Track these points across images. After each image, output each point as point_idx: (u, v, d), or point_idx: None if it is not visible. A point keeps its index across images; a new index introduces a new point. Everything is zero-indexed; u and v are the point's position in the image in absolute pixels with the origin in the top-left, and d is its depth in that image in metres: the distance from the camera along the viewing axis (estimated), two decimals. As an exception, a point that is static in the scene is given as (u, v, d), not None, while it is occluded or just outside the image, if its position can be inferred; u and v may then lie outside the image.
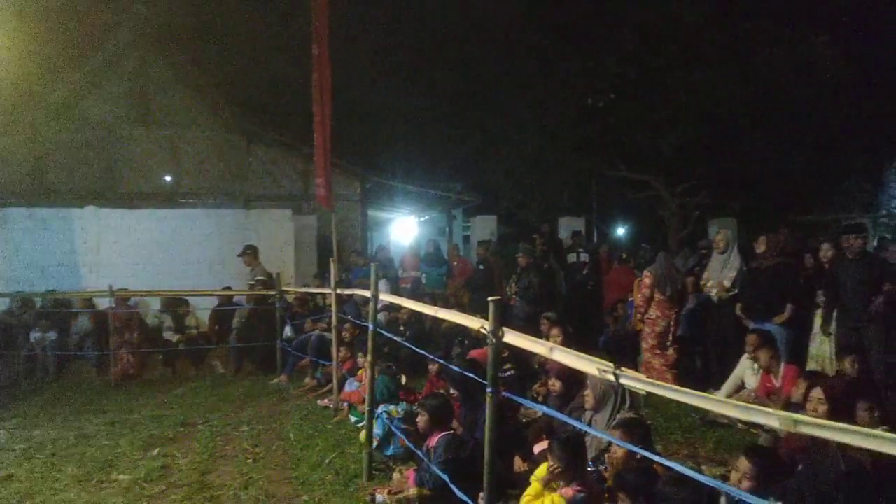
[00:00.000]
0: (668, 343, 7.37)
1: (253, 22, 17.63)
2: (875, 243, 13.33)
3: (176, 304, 10.28)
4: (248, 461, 5.57)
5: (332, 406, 7.08)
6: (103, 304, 9.65)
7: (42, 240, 10.69)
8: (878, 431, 1.75)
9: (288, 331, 9.69)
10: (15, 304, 9.94)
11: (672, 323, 7.38)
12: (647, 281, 7.45)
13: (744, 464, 3.31)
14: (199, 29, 15.36)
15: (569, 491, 3.55)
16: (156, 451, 5.85)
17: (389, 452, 5.45)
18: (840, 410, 3.97)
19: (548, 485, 3.63)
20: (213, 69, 14.75)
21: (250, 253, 9.90)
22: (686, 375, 7.28)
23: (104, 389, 8.70)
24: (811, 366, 6.40)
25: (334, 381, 7.16)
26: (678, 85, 13.93)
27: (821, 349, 6.50)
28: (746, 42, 13.98)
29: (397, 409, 5.76)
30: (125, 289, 9.70)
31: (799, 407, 4.60)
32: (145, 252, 10.76)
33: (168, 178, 13.33)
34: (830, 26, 14.51)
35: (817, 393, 4.13)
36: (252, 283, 9.86)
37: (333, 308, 7.13)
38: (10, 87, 11.72)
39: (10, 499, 4.77)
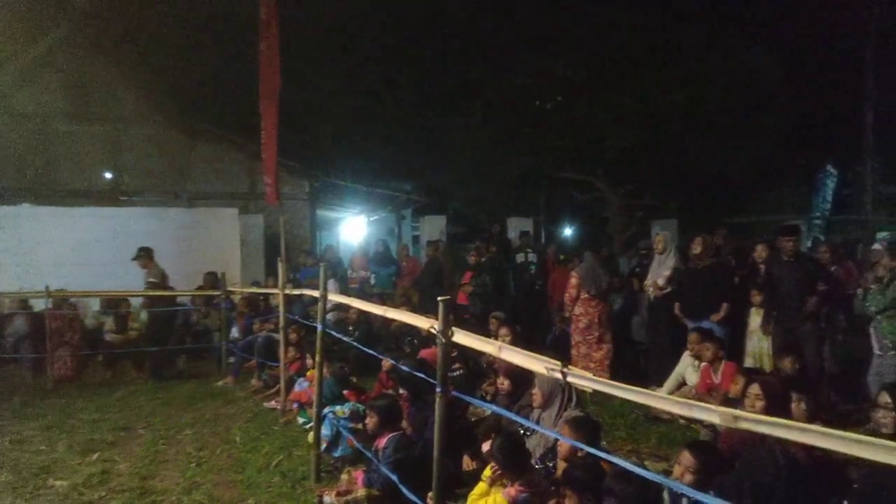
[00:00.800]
0: (594, 339, 7.60)
1: (198, 16, 17.23)
2: (809, 244, 13.88)
3: (117, 305, 9.97)
4: (192, 465, 5.46)
5: (279, 408, 6.99)
6: (40, 305, 9.29)
7: (-27, 239, 10.24)
8: (812, 426, 1.84)
9: (234, 332, 9.53)
10: (-57, 305, 9.49)
11: (596, 320, 7.62)
12: (573, 280, 7.82)
13: (686, 458, 3.41)
14: (141, 23, 14.92)
15: (511, 490, 3.61)
16: (95, 456, 5.68)
17: (338, 454, 5.41)
18: (776, 406, 4.13)
19: (494, 484, 3.68)
20: (156, 64, 14.35)
21: (143, 255, 9.49)
22: (622, 372, 7.50)
23: (41, 393, 8.36)
24: (748, 363, 6.63)
25: (281, 383, 7.07)
26: (622, 89, 14.27)
27: (758, 346, 6.74)
28: (685, 48, 14.43)
29: (343, 409, 5.73)
30: (63, 289, 9.36)
31: (737, 403, 4.77)
32: (84, 251, 10.43)
33: (108, 176, 12.93)
34: (765, 35, 15.10)
35: (755, 389, 4.29)
36: (146, 285, 9.53)
37: (281, 308, 7.04)
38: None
39: (-63, 509, 4.57)
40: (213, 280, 10.05)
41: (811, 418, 4.25)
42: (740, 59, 14.64)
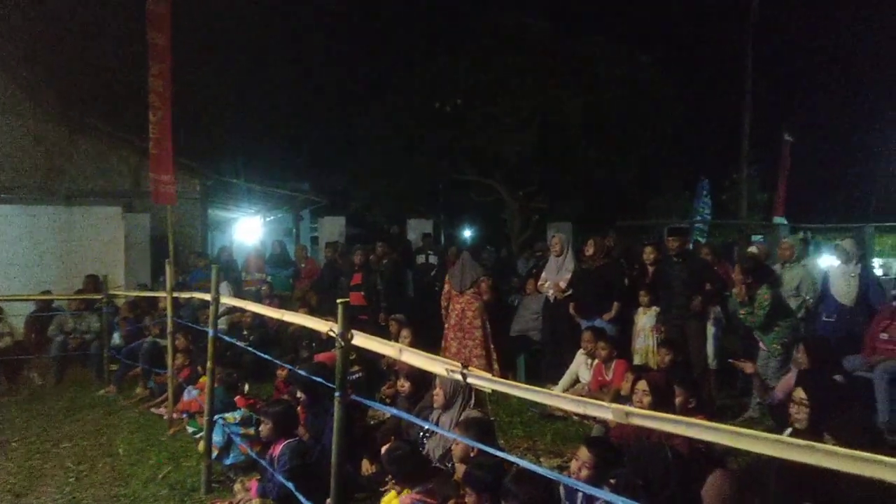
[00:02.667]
0: (462, 335, 7.75)
1: (83, 4, 16.19)
2: (690, 246, 14.70)
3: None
4: (72, 480, 5.11)
5: (167, 416, 6.65)
6: None
7: None
8: (697, 420, 1.92)
9: (116, 338, 8.99)
10: None
11: (460, 316, 7.77)
12: (446, 278, 8.16)
13: (584, 453, 3.49)
14: (16, 8, 13.84)
15: (406, 499, 3.60)
16: (-41, 475, 5.20)
17: (230, 461, 5.21)
18: (663, 401, 4.33)
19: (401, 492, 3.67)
20: (33, 52, 13.34)
21: None
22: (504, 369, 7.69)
23: None
24: (636, 360, 6.92)
25: (169, 391, 6.72)
26: (519, 94, 14.63)
27: (645, 344, 7.05)
28: (580, 57, 15.01)
29: (233, 416, 5.52)
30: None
31: (627, 399, 4.96)
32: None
33: (-24, 171, 11.89)
34: (652, 49, 15.95)
35: (642, 385, 4.47)
36: None
37: (169, 312, 6.69)
38: None
39: None
40: (94, 283, 9.45)
41: (694, 411, 4.48)
42: (630, 71, 15.37)
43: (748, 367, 5.37)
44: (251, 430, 5.31)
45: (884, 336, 6.21)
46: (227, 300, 5.81)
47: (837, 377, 4.86)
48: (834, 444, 1.76)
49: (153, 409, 7.04)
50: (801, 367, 4.99)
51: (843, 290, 7.03)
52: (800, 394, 3.64)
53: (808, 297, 6.74)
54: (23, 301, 9.34)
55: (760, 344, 6.40)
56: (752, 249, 8.35)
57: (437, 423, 4.57)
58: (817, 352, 4.98)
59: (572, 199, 17.13)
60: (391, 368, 6.80)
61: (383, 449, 4.60)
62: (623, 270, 7.84)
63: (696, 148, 19.62)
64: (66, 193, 12.13)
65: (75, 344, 9.01)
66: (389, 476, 3.67)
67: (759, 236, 16.21)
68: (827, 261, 11.25)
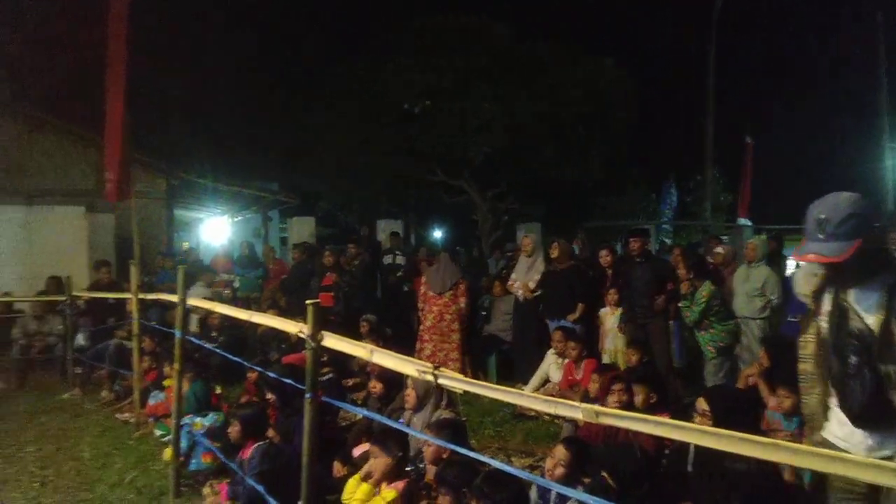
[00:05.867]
0: (438, 337, 7.82)
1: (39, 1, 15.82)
2: (657, 247, 14.94)
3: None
4: (36, 485, 5.01)
5: (133, 420, 6.54)
6: None
7: None
8: (666, 420, 1.98)
9: (80, 339, 8.81)
10: None
11: (438, 318, 7.83)
12: (423, 279, 8.30)
13: (561, 452, 3.54)
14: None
15: (399, 484, 3.61)
16: (-82, 482, 5.06)
17: (193, 468, 5.13)
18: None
19: (378, 484, 3.66)
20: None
21: None
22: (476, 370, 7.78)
23: None
24: (605, 360, 7.01)
25: (135, 394, 6.61)
26: (484, 96, 14.73)
27: (613, 344, 7.15)
28: (538, 59, 15.17)
29: (202, 422, 5.44)
30: None
31: (595, 398, 5.04)
32: None
33: (-70, 169, 11.54)
34: (616, 51, 16.18)
35: (619, 385, 4.57)
36: None
37: (134, 314, 6.59)
38: None
39: None
40: (56, 285, 9.25)
41: (657, 407, 4.57)
42: (592, 74, 15.56)
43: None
44: (217, 444, 5.21)
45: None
46: (195, 301, 5.74)
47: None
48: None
49: (118, 416, 6.90)
50: (762, 366, 5.10)
51: (803, 281, 7.20)
52: (702, 405, 3.70)
53: (773, 298, 6.91)
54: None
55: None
56: (719, 250, 8.53)
57: (408, 425, 4.58)
58: (777, 351, 5.09)
59: (540, 200, 17.29)
60: (362, 369, 6.80)
61: (357, 448, 4.61)
62: (588, 272, 7.95)
63: (662, 150, 19.96)
64: (26, 193, 11.83)
65: (39, 347, 8.82)
66: (383, 461, 3.67)
67: (724, 237, 16.53)
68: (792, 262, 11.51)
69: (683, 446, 3.63)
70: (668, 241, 17.32)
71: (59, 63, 15.64)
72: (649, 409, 4.51)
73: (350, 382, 6.97)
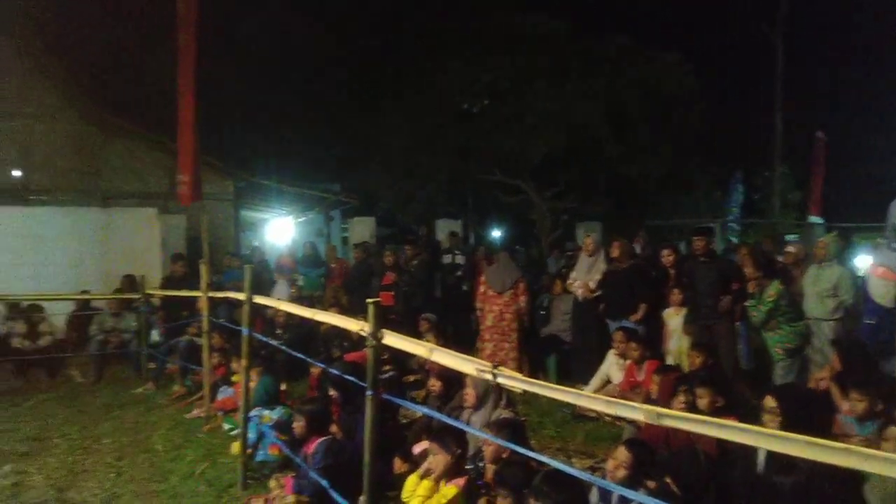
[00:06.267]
0: (499, 336, 7.79)
1: (114, 8, 16.54)
2: (723, 246, 14.52)
3: (27, 310, 9.45)
4: (112, 475, 5.25)
5: (203, 415, 6.79)
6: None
7: None
8: (728, 422, 1.93)
9: (155, 335, 9.20)
10: None
11: (500, 317, 7.80)
12: (482, 278, 8.22)
13: (622, 454, 3.50)
14: (52, 14, 14.19)
15: (460, 481, 3.65)
16: (7, 468, 5.40)
17: (259, 458, 5.30)
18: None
19: (438, 482, 3.70)
20: (69, 57, 13.64)
21: None
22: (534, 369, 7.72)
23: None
24: (669, 361, 6.87)
25: (205, 388, 6.87)
26: (543, 95, 14.60)
27: (677, 345, 7.00)
28: (605, 57, 14.95)
29: (270, 416, 5.62)
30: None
31: (656, 400, 4.95)
32: (-9, 253, 9.84)
33: (17, 174, 12.20)
34: (679, 45, 15.78)
35: (683, 388, 4.48)
36: None
37: (204, 312, 6.84)
38: None
39: None
40: (131, 283, 9.68)
41: (723, 411, 4.46)
42: (657, 70, 15.24)
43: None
44: (284, 437, 5.38)
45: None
46: (261, 300, 5.87)
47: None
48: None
49: (187, 415, 7.11)
50: (834, 370, 4.92)
51: (881, 292, 6.88)
52: (770, 402, 3.58)
53: (846, 298, 6.62)
54: (63, 300, 9.61)
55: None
56: (790, 249, 8.24)
57: (467, 423, 4.61)
58: (849, 354, 4.90)
59: (600, 199, 17.03)
60: (422, 368, 6.86)
61: (417, 445, 4.67)
62: (650, 272, 7.80)
63: (728, 146, 19.34)
64: (103, 195, 12.42)
65: (115, 342, 9.24)
66: (442, 457, 3.71)
67: (793, 236, 15.94)
68: (864, 261, 11.02)
69: (752, 451, 3.55)
70: (734, 240, 16.82)
71: (133, 69, 16.31)
72: (714, 413, 4.40)
73: (411, 378, 7.05)
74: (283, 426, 5.36)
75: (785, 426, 3.58)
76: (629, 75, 14.94)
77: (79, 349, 9.30)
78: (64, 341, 9.42)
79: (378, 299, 3.44)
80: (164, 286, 9.77)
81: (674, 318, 7.15)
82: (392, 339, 3.35)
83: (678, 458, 3.58)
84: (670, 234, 16.26)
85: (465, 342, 8.08)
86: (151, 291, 9.39)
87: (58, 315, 9.59)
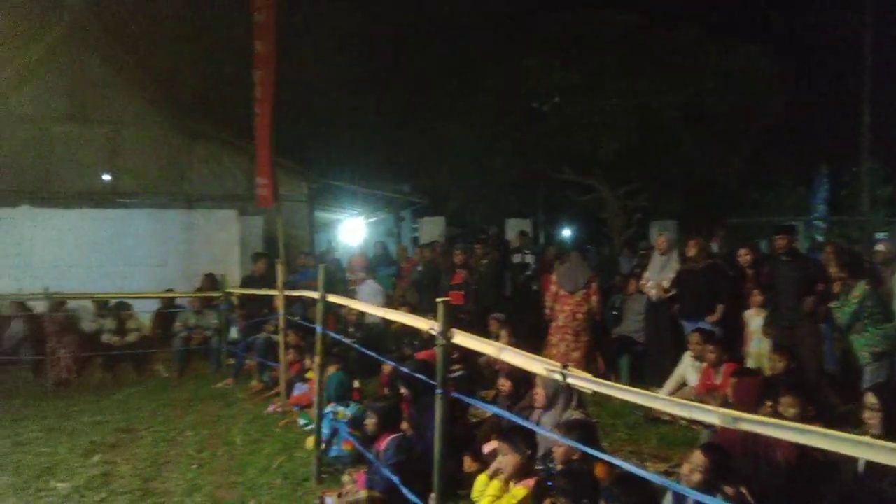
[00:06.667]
0: (571, 336, 7.67)
1: (195, 16, 17.24)
2: (807, 245, 13.90)
3: (116, 307, 9.97)
4: (194, 467, 5.47)
5: (279, 410, 6.99)
6: (39, 306, 9.30)
7: (-28, 241, 10.26)
8: (811, 427, 1.85)
9: (233, 332, 9.54)
10: (-58, 308, 9.49)
11: (571, 318, 7.68)
12: (553, 277, 8.12)
13: (699, 458, 3.40)
14: (138, 24, 14.93)
15: (530, 482, 3.63)
16: (96, 458, 5.69)
17: (333, 454, 5.41)
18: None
19: (508, 482, 3.70)
20: (154, 65, 14.32)
21: None
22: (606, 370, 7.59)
23: (41, 395, 8.38)
24: (749, 364, 6.63)
25: (281, 384, 7.08)
26: (617, 91, 14.30)
27: (758, 347, 6.75)
28: (681, 50, 14.51)
29: (345, 412, 5.73)
30: (61, 291, 9.36)
31: (732, 403, 4.78)
32: (83, 253, 10.42)
33: (106, 177, 12.90)
34: (761, 35, 15.14)
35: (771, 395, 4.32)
36: None
37: (280, 310, 7.05)
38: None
39: (-60, 511, 4.58)
40: (212, 281, 10.06)
41: (803, 418, 4.26)
42: (736, 60, 14.69)
43: None
44: (357, 433, 5.49)
45: None
46: (336, 298, 5.97)
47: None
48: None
49: (265, 410, 7.30)
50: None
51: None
52: (871, 399, 3.44)
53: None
54: (149, 298, 10.10)
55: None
56: (880, 247, 7.81)
57: (537, 424, 4.58)
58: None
59: (676, 196, 16.55)
60: (492, 367, 6.86)
61: (486, 444, 4.67)
62: (727, 271, 7.53)
63: (813, 140, 18.46)
64: (186, 197, 12.99)
65: (197, 339, 9.63)
66: (513, 457, 3.71)
67: (883, 234, 15.07)
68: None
69: (843, 458, 3.40)
70: (820, 239, 16.06)
71: (214, 76, 16.95)
72: (804, 422, 4.21)
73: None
74: (356, 422, 5.46)
75: (887, 424, 3.43)
76: (709, 67, 14.46)
77: (163, 345, 9.75)
78: (149, 337, 9.90)
79: (448, 298, 3.46)
80: (244, 285, 10.12)
81: (755, 320, 6.89)
82: (461, 339, 3.37)
83: (755, 465, 3.45)
84: (752, 233, 15.66)
85: (535, 342, 8.02)
86: (231, 290, 9.74)
87: (145, 313, 10.08)
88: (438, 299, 3.38)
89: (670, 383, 6.57)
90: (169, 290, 10.26)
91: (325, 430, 5.35)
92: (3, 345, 9.24)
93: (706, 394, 5.97)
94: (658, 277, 7.67)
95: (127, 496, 4.79)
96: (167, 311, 10.03)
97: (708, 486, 3.22)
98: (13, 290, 9.96)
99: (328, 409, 5.52)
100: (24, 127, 12.23)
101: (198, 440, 6.26)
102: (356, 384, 6.63)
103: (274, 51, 8.71)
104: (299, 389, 7.02)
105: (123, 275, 10.34)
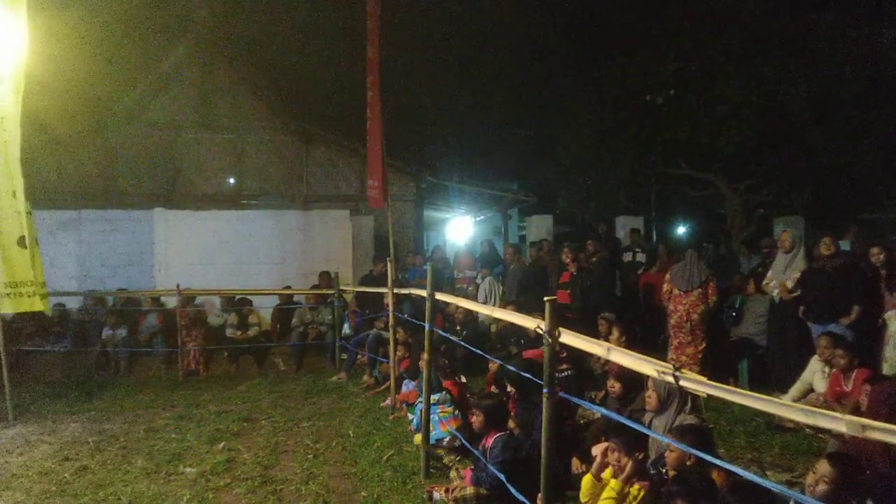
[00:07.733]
0: (685, 336, 7.40)
1: (309, 25, 18.00)
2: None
3: (239, 303, 10.58)
4: (310, 456, 5.70)
5: (390, 405, 7.16)
6: (171, 302, 10.02)
7: (113, 241, 11.23)
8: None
9: (346, 328, 9.87)
10: (88, 301, 10.42)
11: (686, 317, 7.41)
12: (667, 276, 7.91)
13: (825, 468, 3.20)
14: (257, 33, 15.78)
15: (646, 483, 3.53)
16: (221, 445, 6.05)
17: (434, 439, 5.44)
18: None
19: (629, 480, 3.61)
20: (273, 74, 15.09)
21: None
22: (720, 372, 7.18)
23: (172, 385, 9.04)
24: (885, 370, 6.13)
25: (392, 380, 7.24)
26: (738, 79, 13.56)
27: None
28: (809, 36, 13.55)
29: (434, 397, 5.73)
30: (190, 288, 10.04)
31: (864, 412, 4.42)
32: (209, 252, 11.13)
33: (231, 181, 13.72)
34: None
35: None
36: None
37: (390, 307, 7.21)
38: (82, 95, 12.33)
39: (84, 489, 5.01)
40: (327, 279, 10.44)
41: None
42: (871, 47, 13.55)
43: None
44: (448, 409, 5.54)
45: None
46: (443, 296, 6.05)
47: None
48: None
49: (382, 403, 7.46)
50: None
51: None
52: None
53: None
54: (269, 295, 10.63)
55: None
56: None
57: (649, 427, 4.43)
58: None
59: (802, 191, 15.50)
60: (601, 368, 6.71)
61: (595, 446, 4.56)
62: (864, 270, 6.97)
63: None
64: (304, 198, 13.59)
65: (313, 334, 10.04)
66: (622, 459, 3.63)
67: None
68: None
69: None
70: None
71: (328, 81, 17.62)
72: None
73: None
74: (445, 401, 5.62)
75: None
76: (834, 53, 13.44)
77: (282, 339, 10.24)
78: (269, 332, 10.42)
79: (555, 297, 3.41)
80: (363, 283, 10.46)
81: (894, 323, 6.34)
82: (568, 338, 3.32)
83: (886, 479, 3.18)
84: (887, 230, 14.43)
85: (647, 343, 7.77)
86: (344, 287, 10.08)
87: (265, 309, 10.62)
88: (546, 298, 3.34)
89: (795, 389, 6.17)
90: (287, 287, 10.74)
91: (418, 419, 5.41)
92: (139, 337, 10.03)
93: (835, 401, 5.57)
94: (782, 277, 7.23)
95: (248, 482, 5.05)
96: (285, 307, 10.51)
97: (834, 499, 3.00)
98: (148, 286, 10.81)
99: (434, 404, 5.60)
100: (156, 135, 13.25)
101: (313, 431, 6.52)
102: (462, 379, 6.66)
103: (379, 57, 8.97)
104: (407, 387, 7.16)
105: (246, 272, 10.94)
